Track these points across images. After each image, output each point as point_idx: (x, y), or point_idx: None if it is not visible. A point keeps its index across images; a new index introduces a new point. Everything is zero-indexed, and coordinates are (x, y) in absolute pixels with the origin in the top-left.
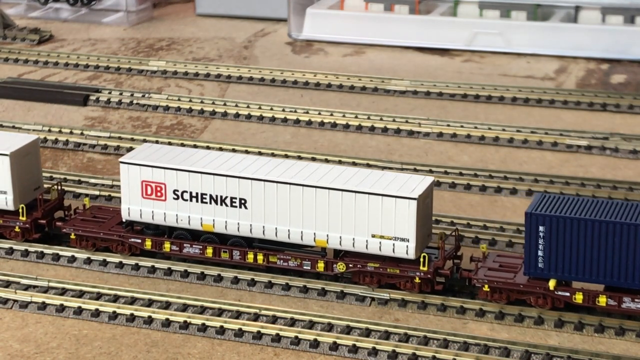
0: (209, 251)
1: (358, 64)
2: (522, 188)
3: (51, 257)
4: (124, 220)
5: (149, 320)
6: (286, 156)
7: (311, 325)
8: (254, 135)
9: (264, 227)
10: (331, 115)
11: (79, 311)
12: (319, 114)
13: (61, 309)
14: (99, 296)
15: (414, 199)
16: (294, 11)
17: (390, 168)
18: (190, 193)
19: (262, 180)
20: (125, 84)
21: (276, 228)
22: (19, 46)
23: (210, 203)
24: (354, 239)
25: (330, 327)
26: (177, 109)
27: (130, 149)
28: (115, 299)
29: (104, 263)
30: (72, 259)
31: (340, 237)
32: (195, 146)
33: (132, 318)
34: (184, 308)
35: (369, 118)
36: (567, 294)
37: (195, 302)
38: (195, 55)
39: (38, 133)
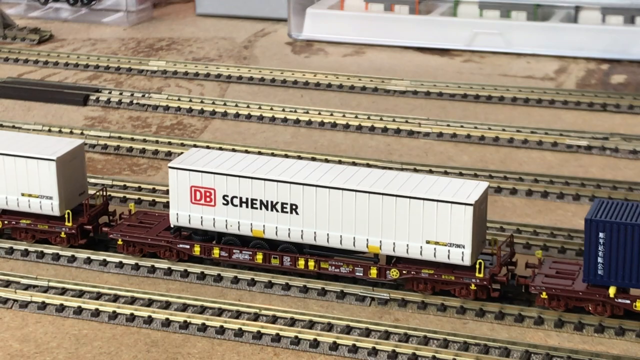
0: (259, 257)
1: (358, 64)
2: (522, 188)
3: (51, 257)
4: (172, 225)
5: (149, 320)
6: (286, 156)
7: (311, 325)
8: (254, 135)
9: (315, 233)
10: (331, 115)
11: (78, 311)
12: (319, 114)
13: (61, 308)
14: (99, 296)
15: (470, 204)
16: (294, 11)
17: (390, 168)
18: (240, 198)
19: (314, 186)
20: (125, 84)
21: (328, 234)
22: (19, 46)
23: (261, 208)
24: (407, 245)
25: (330, 327)
26: (177, 108)
27: (130, 149)
28: (115, 298)
29: (104, 263)
30: (72, 259)
31: (394, 243)
32: (195, 146)
33: (132, 318)
34: (184, 308)
35: (369, 118)
36: (628, 301)
37: (195, 302)
38: (195, 55)
39: (38, 133)
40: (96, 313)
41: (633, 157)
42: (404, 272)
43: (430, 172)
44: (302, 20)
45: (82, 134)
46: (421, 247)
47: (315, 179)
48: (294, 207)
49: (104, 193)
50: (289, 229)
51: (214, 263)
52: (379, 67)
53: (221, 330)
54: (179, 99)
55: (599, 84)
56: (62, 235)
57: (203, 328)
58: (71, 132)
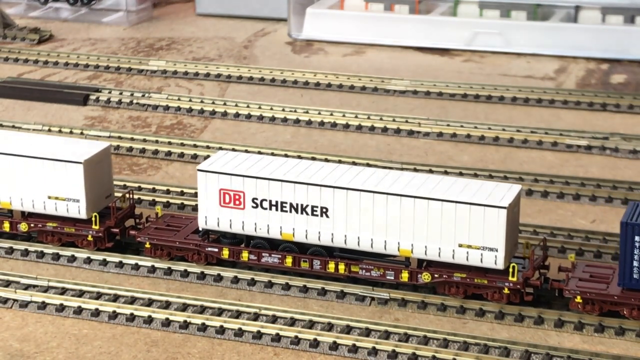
0: (289, 260)
1: (358, 63)
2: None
3: (51, 257)
4: (200, 229)
5: (149, 320)
6: (286, 155)
7: (311, 324)
8: (254, 135)
9: (345, 236)
10: (331, 115)
11: (79, 311)
12: (319, 113)
13: (61, 308)
14: (98, 296)
15: (504, 207)
16: (294, 11)
17: (391, 168)
18: (270, 201)
19: (345, 189)
20: (125, 84)
21: (358, 237)
22: (18, 46)
23: (291, 212)
24: (439, 248)
25: (330, 327)
26: (177, 108)
27: (130, 149)
28: (115, 298)
29: (104, 262)
30: (72, 259)
31: (426, 247)
32: (195, 145)
33: (132, 317)
34: (184, 308)
35: (369, 118)
36: None
37: (195, 302)
38: (195, 55)
39: (38, 132)
40: (96, 313)
41: (633, 156)
42: (436, 275)
43: (431, 171)
44: (302, 20)
45: (82, 133)
46: (453, 250)
47: (346, 181)
48: (324, 210)
49: (131, 196)
50: (319, 232)
51: (248, 267)
52: (379, 67)
53: (221, 330)
54: (179, 99)
55: (599, 84)
56: (89, 238)
57: (203, 328)
58: (71, 132)
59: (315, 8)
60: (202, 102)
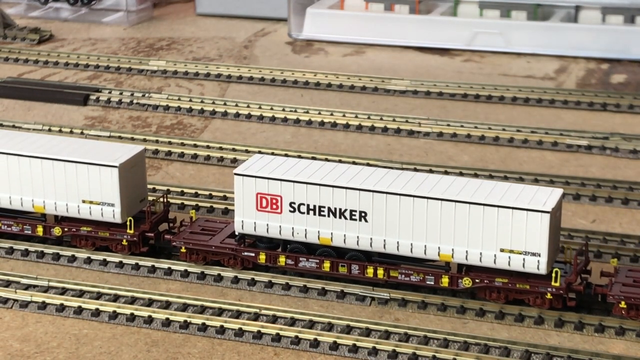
0: (326, 265)
1: (358, 63)
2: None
3: (51, 257)
4: (236, 233)
5: (149, 320)
6: (286, 155)
7: (311, 324)
8: (254, 135)
9: (384, 240)
10: (331, 115)
11: (79, 311)
12: (319, 113)
13: (61, 308)
14: (99, 296)
15: (547, 212)
16: (294, 11)
17: (391, 168)
18: (308, 206)
19: (384, 193)
20: (125, 84)
21: (398, 242)
22: (19, 46)
23: (329, 216)
24: (481, 253)
25: (330, 327)
26: (177, 108)
27: None
28: (116, 298)
29: (104, 263)
30: (73, 259)
31: (467, 252)
32: (195, 145)
33: (132, 318)
34: (184, 308)
35: (369, 118)
36: None
37: (195, 302)
38: (195, 55)
39: (38, 132)
40: (96, 313)
41: (633, 156)
42: (477, 280)
43: (431, 171)
44: (302, 20)
45: (82, 133)
46: (495, 255)
47: (385, 185)
48: (363, 214)
49: (165, 200)
50: (358, 237)
51: (283, 272)
52: (379, 67)
53: (221, 330)
54: (179, 99)
55: (599, 84)
56: (124, 242)
57: (203, 328)
58: (71, 132)
59: (316, 8)
60: (202, 102)
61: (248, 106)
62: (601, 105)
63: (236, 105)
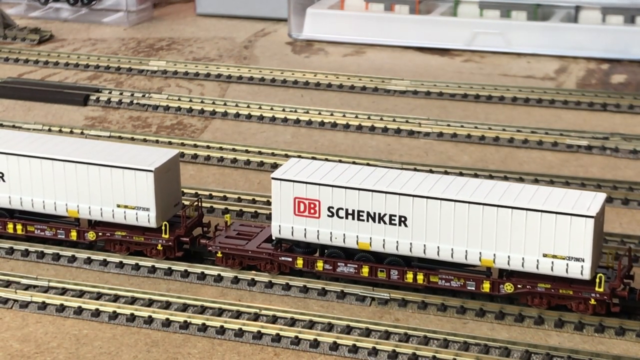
0: (365, 270)
1: (358, 64)
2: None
3: (51, 257)
4: (273, 237)
5: (149, 320)
6: (286, 156)
7: (311, 325)
8: (254, 135)
9: (424, 245)
10: (331, 115)
11: (79, 311)
12: (319, 113)
13: (61, 308)
14: (99, 296)
15: (591, 217)
16: (294, 11)
17: (391, 168)
18: (346, 210)
19: (425, 197)
20: (125, 84)
21: (438, 247)
22: (19, 46)
23: (368, 220)
24: (523, 258)
25: (330, 327)
26: (177, 108)
27: None
28: (116, 298)
29: (104, 263)
30: (73, 259)
31: (509, 257)
32: (195, 145)
33: (132, 318)
34: (184, 308)
35: (369, 118)
36: None
37: (196, 302)
38: (196, 55)
39: (38, 133)
40: (96, 313)
41: (633, 156)
42: (519, 286)
43: (431, 171)
44: (302, 20)
45: (82, 133)
46: (537, 260)
47: (425, 190)
48: (402, 219)
49: (199, 204)
50: (397, 242)
51: (318, 277)
52: (379, 67)
53: (221, 330)
54: (179, 99)
55: (599, 84)
56: (159, 247)
57: (203, 328)
58: (71, 132)
59: (316, 8)
60: (202, 102)
61: (248, 106)
62: (601, 105)
63: (236, 106)
